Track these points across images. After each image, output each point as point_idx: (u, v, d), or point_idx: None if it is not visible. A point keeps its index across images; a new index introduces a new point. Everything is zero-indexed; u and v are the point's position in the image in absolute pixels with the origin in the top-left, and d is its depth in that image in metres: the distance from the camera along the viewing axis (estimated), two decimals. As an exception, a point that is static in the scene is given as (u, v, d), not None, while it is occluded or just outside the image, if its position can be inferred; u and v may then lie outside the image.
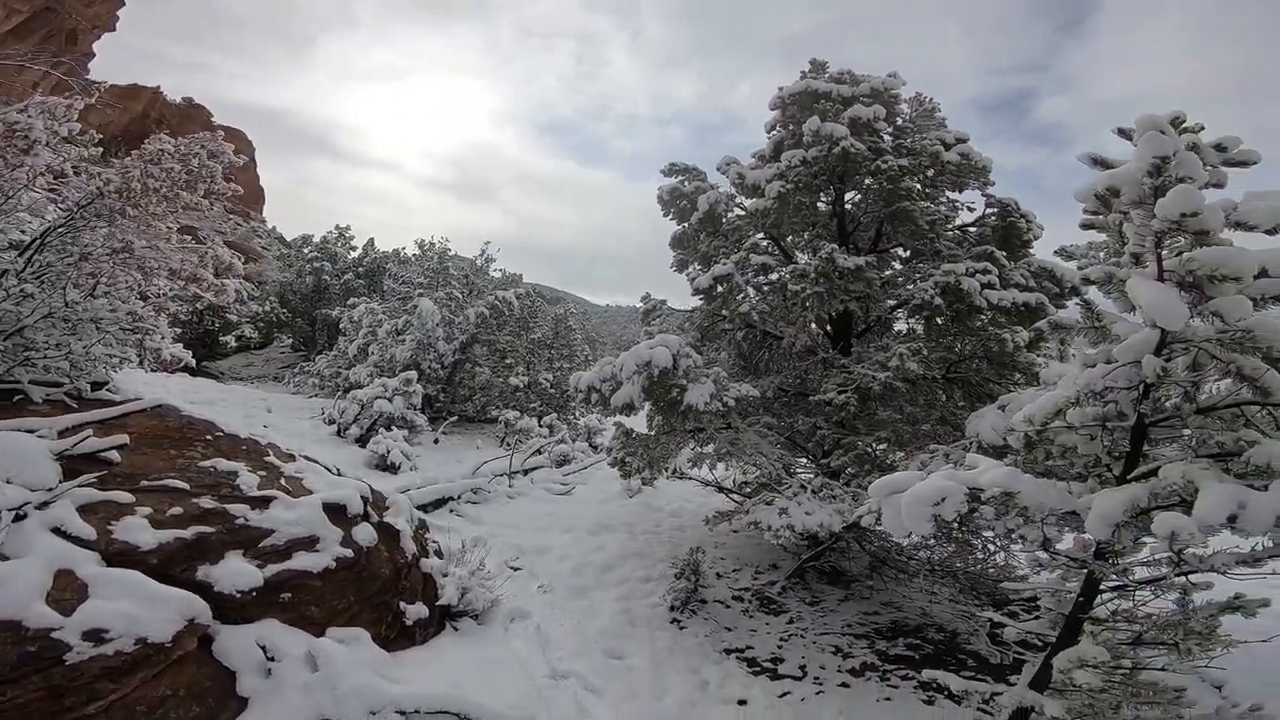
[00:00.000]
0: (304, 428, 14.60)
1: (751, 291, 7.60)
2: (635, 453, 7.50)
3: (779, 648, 7.00)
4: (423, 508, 9.32)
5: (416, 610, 6.17)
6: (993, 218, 9.26)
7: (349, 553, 5.69)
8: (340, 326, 21.60)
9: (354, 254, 28.86)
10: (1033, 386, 7.01)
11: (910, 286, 7.87)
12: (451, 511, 9.55)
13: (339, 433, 13.78)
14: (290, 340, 29.29)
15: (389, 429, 12.70)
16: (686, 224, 10.11)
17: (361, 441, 13.34)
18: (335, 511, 5.93)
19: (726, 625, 7.39)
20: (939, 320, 7.30)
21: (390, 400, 13.55)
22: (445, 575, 6.70)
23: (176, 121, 57.52)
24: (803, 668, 6.66)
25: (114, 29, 55.72)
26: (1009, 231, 9.13)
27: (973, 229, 9.42)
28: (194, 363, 22.60)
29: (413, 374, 13.98)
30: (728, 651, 6.90)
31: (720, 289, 7.74)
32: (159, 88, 58.75)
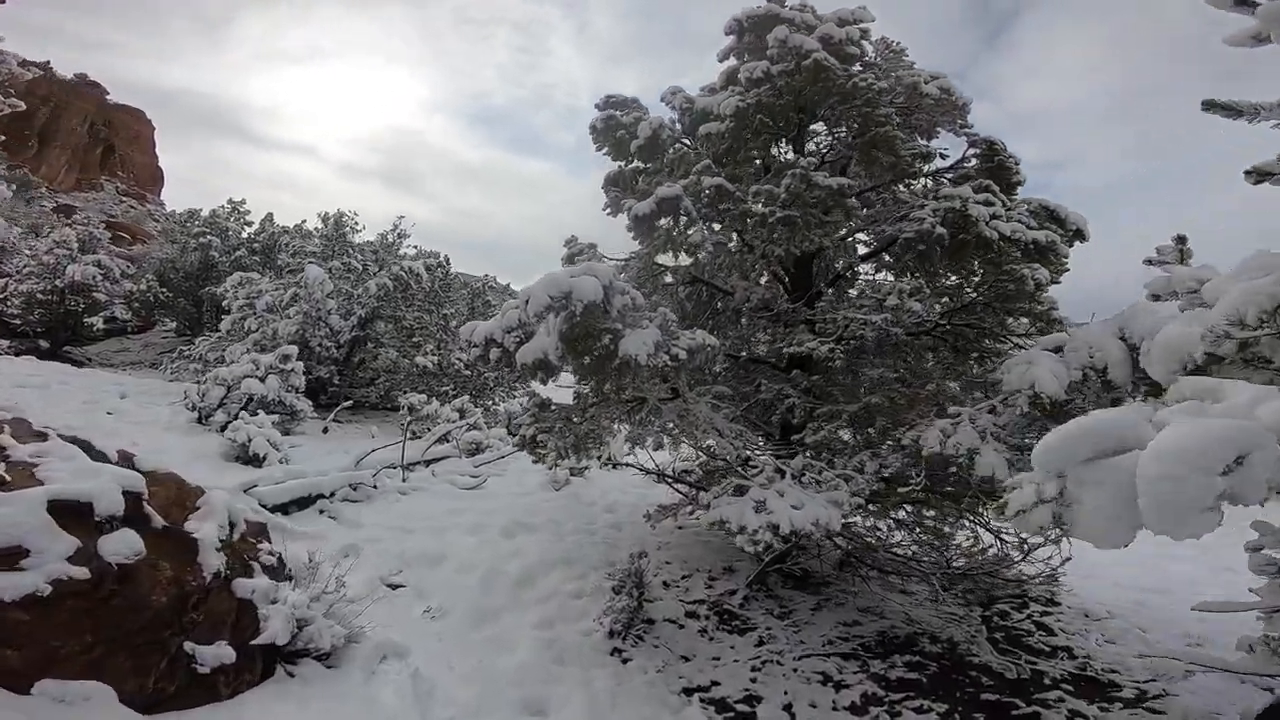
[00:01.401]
0: (160, 415, 11.75)
1: (695, 233, 5.68)
2: (553, 429, 5.47)
3: (753, 681, 5.11)
4: (281, 508, 6.96)
5: (217, 652, 3.97)
6: (974, 160, 7.71)
7: (83, 572, 3.46)
8: (225, 305, 18.51)
9: (249, 230, 25.41)
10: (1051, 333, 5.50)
11: (897, 224, 6.17)
12: (322, 513, 7.21)
13: (201, 420, 11.06)
14: (175, 324, 25.54)
15: (261, 414, 10.13)
16: (623, 162, 8.14)
17: (228, 430, 10.71)
18: (71, 513, 3.65)
19: (682, 653, 5.44)
20: (936, 256, 5.62)
21: (262, 380, 10.94)
22: (273, 601, 4.49)
23: (64, 98, 51.24)
24: (789, 709, 4.79)
25: (3, 1, 48.98)
26: (997, 173, 7.52)
27: (949, 176, 7.88)
28: (42, 344, 18.85)
29: (291, 349, 11.40)
30: (688, 691, 4.94)
31: (664, 221, 5.77)
32: (48, 63, 52.02)
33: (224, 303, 18.45)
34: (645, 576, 5.92)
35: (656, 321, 4.54)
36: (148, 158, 57.29)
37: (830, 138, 7.56)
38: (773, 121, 6.95)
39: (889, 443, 5.03)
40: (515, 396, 15.43)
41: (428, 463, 10.04)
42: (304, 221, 23.38)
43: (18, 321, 20.98)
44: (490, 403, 15.31)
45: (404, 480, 8.90)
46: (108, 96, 54.04)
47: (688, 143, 7.17)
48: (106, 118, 53.23)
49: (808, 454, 5.42)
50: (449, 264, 15.97)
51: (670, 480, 7.62)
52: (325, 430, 12.46)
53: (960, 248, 5.52)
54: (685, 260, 6.48)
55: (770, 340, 6.49)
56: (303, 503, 7.16)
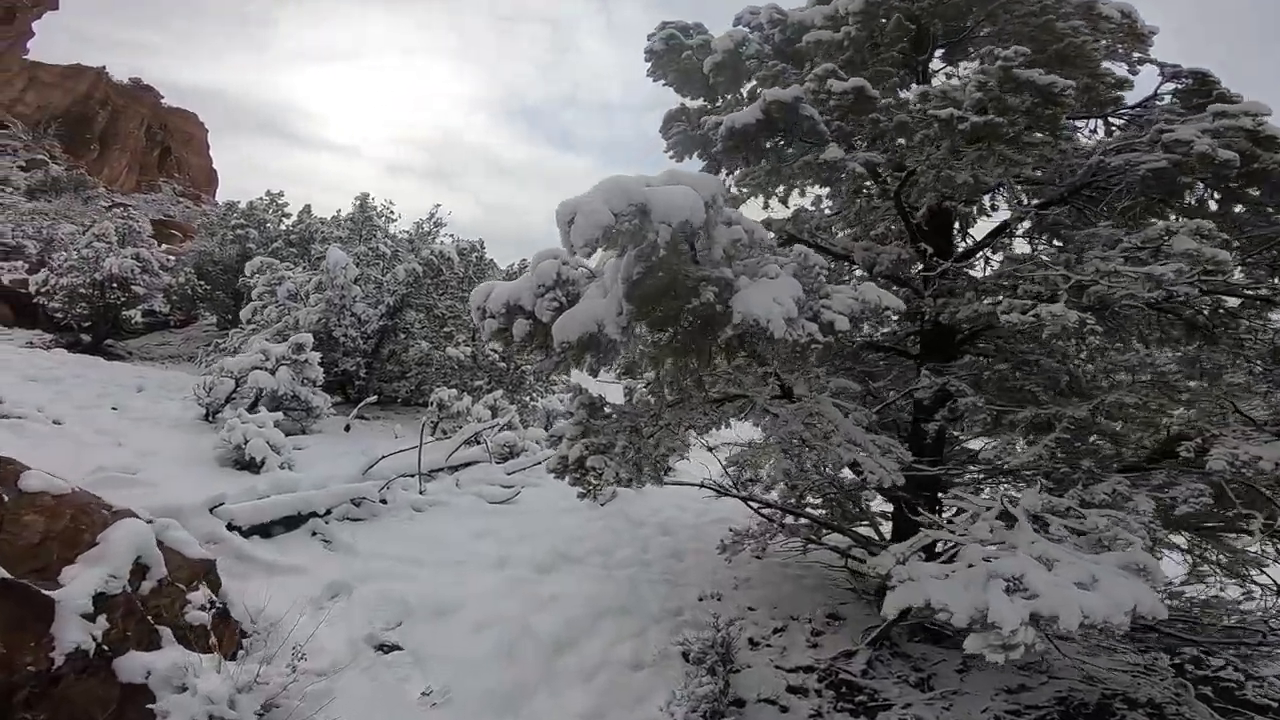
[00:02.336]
0: (169, 410, 10.47)
1: (831, 152, 3.85)
2: (610, 447, 3.76)
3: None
4: (262, 530, 5.43)
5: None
6: (1168, 95, 5.64)
7: None
8: (254, 295, 17.40)
9: (287, 222, 24.43)
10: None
11: (1124, 154, 4.18)
12: (315, 535, 5.65)
13: (208, 416, 9.73)
14: (215, 317, 24.75)
15: (263, 412, 8.70)
16: (688, 97, 6.39)
17: (224, 430, 9.37)
18: None
19: (793, 763, 3.74)
20: (1190, 192, 3.73)
21: (272, 372, 9.53)
22: (181, 689, 2.88)
23: (121, 102, 51.86)
24: None
25: (56, 7, 49.64)
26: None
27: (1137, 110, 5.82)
28: (84, 338, 18.01)
29: (305, 338, 9.97)
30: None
31: (778, 137, 3.91)
32: (104, 68, 52.81)
33: (253, 291, 17.37)
34: (733, 643, 4.18)
35: (789, 267, 2.78)
36: (202, 159, 57.78)
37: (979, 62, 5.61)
38: (902, 35, 5.05)
39: (1168, 462, 3.16)
40: (554, 391, 13.82)
41: (453, 469, 8.46)
42: (339, 211, 22.26)
43: (60, 315, 20.31)
44: (527, 398, 13.73)
45: (421, 492, 7.30)
46: (162, 100, 54.58)
47: (780, 63, 5.36)
48: (162, 121, 53.72)
49: (977, 475, 3.62)
50: (483, 248, 14.45)
51: (757, 503, 5.86)
52: (347, 428, 11.04)
53: (1249, 178, 3.60)
54: (782, 212, 4.72)
55: (912, 314, 4.58)
56: (291, 523, 5.61)
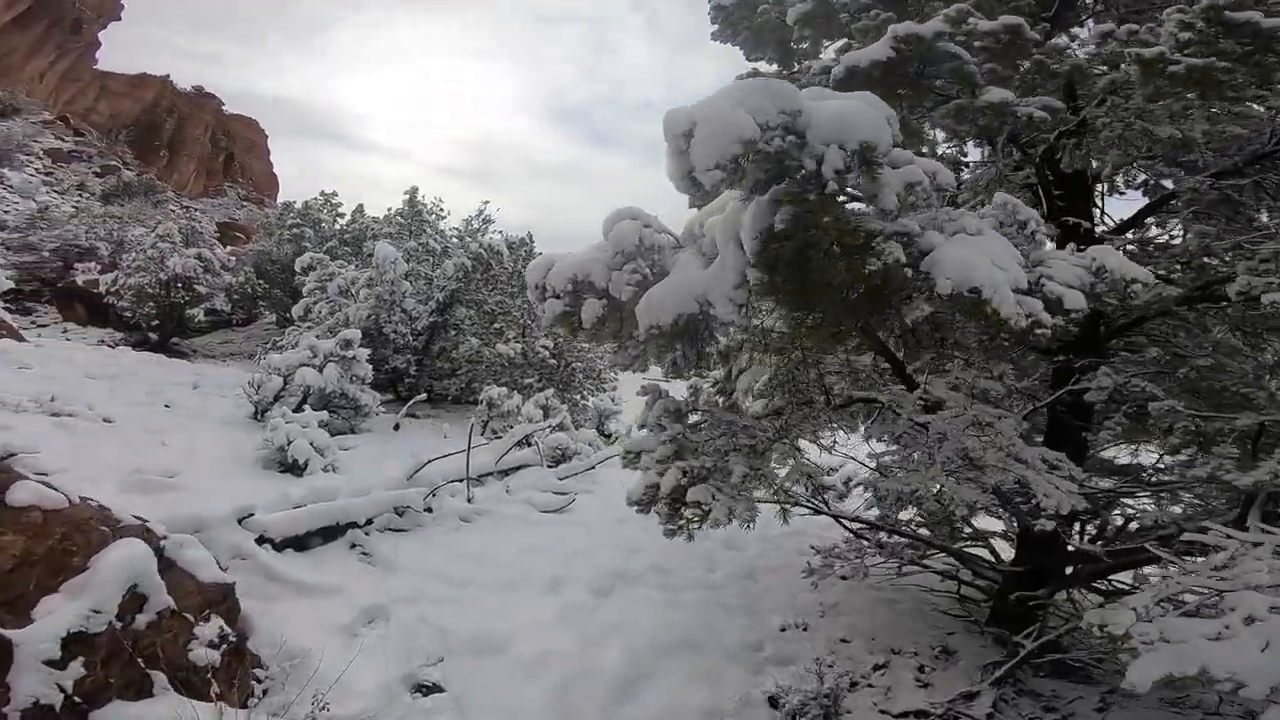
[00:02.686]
0: (220, 408, 10.31)
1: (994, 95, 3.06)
2: (714, 469, 2.99)
3: None
4: (296, 542, 4.97)
5: None
6: None
7: None
8: (305, 293, 17.41)
9: (341, 222, 24.62)
10: None
11: None
12: (354, 548, 5.18)
13: (257, 414, 9.49)
14: (274, 315, 25.15)
15: (307, 411, 8.37)
16: (763, 58, 5.64)
17: (267, 430, 9.11)
18: None
19: None
20: None
21: (320, 369, 9.22)
22: None
23: (187, 110, 53.84)
24: None
25: (119, 18, 51.76)
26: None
27: None
28: (151, 337, 18.35)
29: (353, 334, 9.62)
30: None
31: (910, 80, 3.09)
32: (168, 76, 54.89)
33: (304, 289, 17.38)
34: (833, 684, 3.46)
35: (989, 220, 2.03)
36: (263, 164, 59.54)
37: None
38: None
39: None
40: (605, 389, 13.25)
41: (503, 473, 7.93)
42: (389, 209, 22.25)
43: (129, 314, 20.82)
44: (578, 397, 13.19)
45: (469, 500, 6.78)
46: (224, 107, 56.38)
47: (883, 11, 4.56)
48: (225, 127, 55.53)
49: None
50: (532, 242, 13.98)
51: (850, 521, 5.10)
52: (396, 427, 10.70)
53: None
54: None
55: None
56: (329, 533, 5.14)
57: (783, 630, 4.77)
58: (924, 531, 5.05)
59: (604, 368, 13.07)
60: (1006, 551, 5.17)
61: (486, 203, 15.64)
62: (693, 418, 3.27)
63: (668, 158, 1.91)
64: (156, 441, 7.48)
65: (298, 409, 9.36)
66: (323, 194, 24.97)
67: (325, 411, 9.59)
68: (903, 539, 4.90)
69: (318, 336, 11.73)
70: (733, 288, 1.99)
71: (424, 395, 11.78)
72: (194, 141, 52.39)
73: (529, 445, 8.61)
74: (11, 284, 14.72)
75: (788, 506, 4.19)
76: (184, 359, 19.86)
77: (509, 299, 13.25)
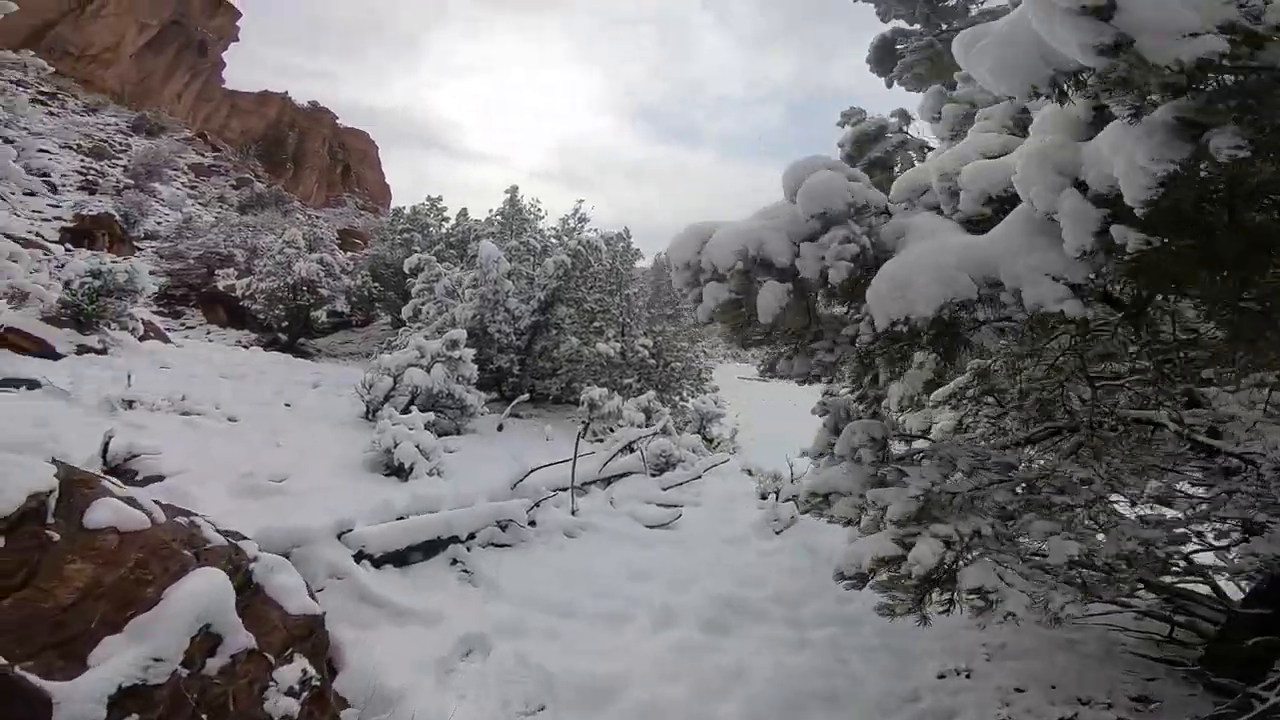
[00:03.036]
0: (336, 407, 10.59)
1: None
2: (982, 531, 2.19)
3: None
4: (397, 557, 4.73)
5: None
6: None
7: None
8: (413, 293, 17.91)
9: (446, 225, 25.43)
10: None
11: None
12: (455, 564, 4.87)
13: (368, 414, 9.64)
14: (389, 317, 26.36)
15: (413, 413, 8.31)
16: (900, 17, 4.85)
17: (374, 432, 9.18)
18: None
19: None
20: None
21: (427, 370, 9.20)
22: None
23: (305, 124, 58.16)
24: None
25: (237, 39, 56.40)
26: None
27: None
28: (281, 338, 19.52)
29: (459, 334, 9.56)
30: None
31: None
32: (286, 93, 59.41)
33: (413, 289, 17.86)
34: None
35: None
36: (376, 174, 63.21)
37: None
38: None
39: None
40: (705, 390, 12.64)
41: (606, 481, 7.53)
42: (491, 210, 22.64)
43: (262, 316, 22.35)
44: (677, 398, 12.67)
45: (573, 512, 6.39)
46: (338, 120, 60.24)
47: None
48: (340, 140, 59.39)
49: None
50: (629, 236, 13.58)
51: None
52: (500, 428, 10.60)
53: None
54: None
55: None
56: (430, 548, 4.87)
57: (940, 678, 4.01)
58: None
59: (703, 368, 12.47)
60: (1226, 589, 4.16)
61: (582, 201, 15.42)
62: (895, 446, 2.53)
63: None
64: (272, 442, 7.63)
65: (405, 409, 9.40)
66: (429, 199, 25.83)
67: (432, 412, 9.60)
68: (1096, 571, 4.00)
69: (426, 337, 11.88)
70: (1072, 258, 1.35)
71: (526, 396, 11.64)
72: (314, 154, 56.35)
73: (632, 451, 8.16)
74: (155, 287, 15.98)
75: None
76: (309, 359, 21.05)
77: (607, 296, 12.91)
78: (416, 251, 23.75)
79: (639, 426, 9.05)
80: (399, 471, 6.99)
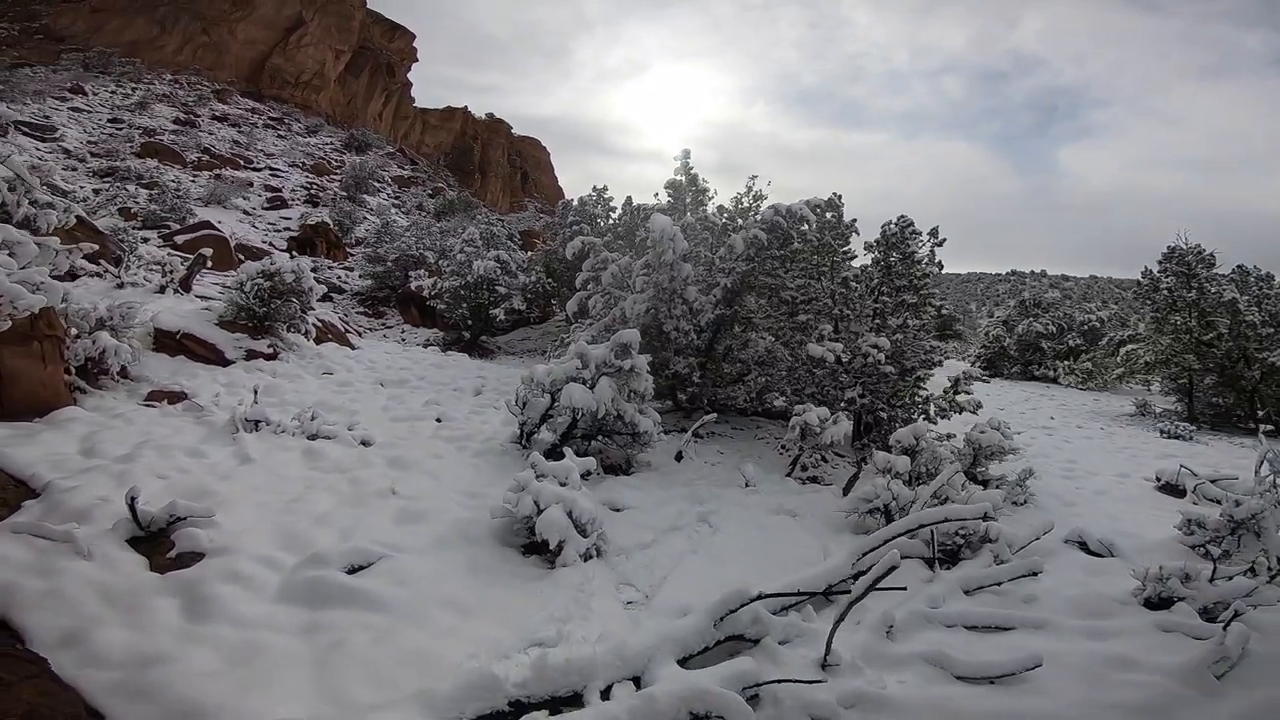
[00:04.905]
0: (487, 424, 8.51)
1: None
2: None
3: None
4: None
5: None
6: None
7: None
8: (579, 284, 15.87)
9: (613, 216, 23.60)
10: None
11: None
12: None
13: (522, 438, 7.40)
14: (563, 312, 25.18)
15: (591, 439, 5.80)
16: None
17: (554, 455, 6.78)
18: None
19: None
20: None
21: (591, 384, 6.70)
22: None
23: (486, 136, 60.41)
24: None
25: (417, 59, 59.29)
26: None
27: None
28: (465, 336, 18.63)
29: (630, 335, 6.92)
30: None
31: None
32: (466, 108, 62.02)
33: (578, 279, 15.85)
34: None
35: None
36: (550, 179, 64.36)
37: None
38: None
39: None
40: (966, 408, 8.86)
41: (877, 582, 4.39)
42: (656, 195, 20.17)
43: (447, 315, 22.01)
44: (921, 418, 9.02)
45: (825, 663, 3.36)
46: (513, 130, 61.86)
47: None
48: (516, 149, 61.01)
49: None
50: (841, 204, 10.11)
51: None
52: (679, 456, 7.88)
53: None
54: None
55: None
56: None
57: None
58: None
59: (963, 375, 8.71)
60: None
61: (755, 178, 12.12)
62: None
63: None
64: (388, 486, 5.52)
65: (565, 434, 6.99)
66: (594, 189, 24.14)
67: (598, 437, 7.09)
68: None
69: (592, 337, 9.48)
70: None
71: (713, 415, 8.78)
72: (496, 163, 58.43)
73: (912, 536, 4.89)
74: (324, 289, 15.46)
75: None
76: (488, 356, 20.21)
77: (812, 281, 9.63)
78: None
79: (891, 474, 5.77)
80: (540, 549, 4.47)
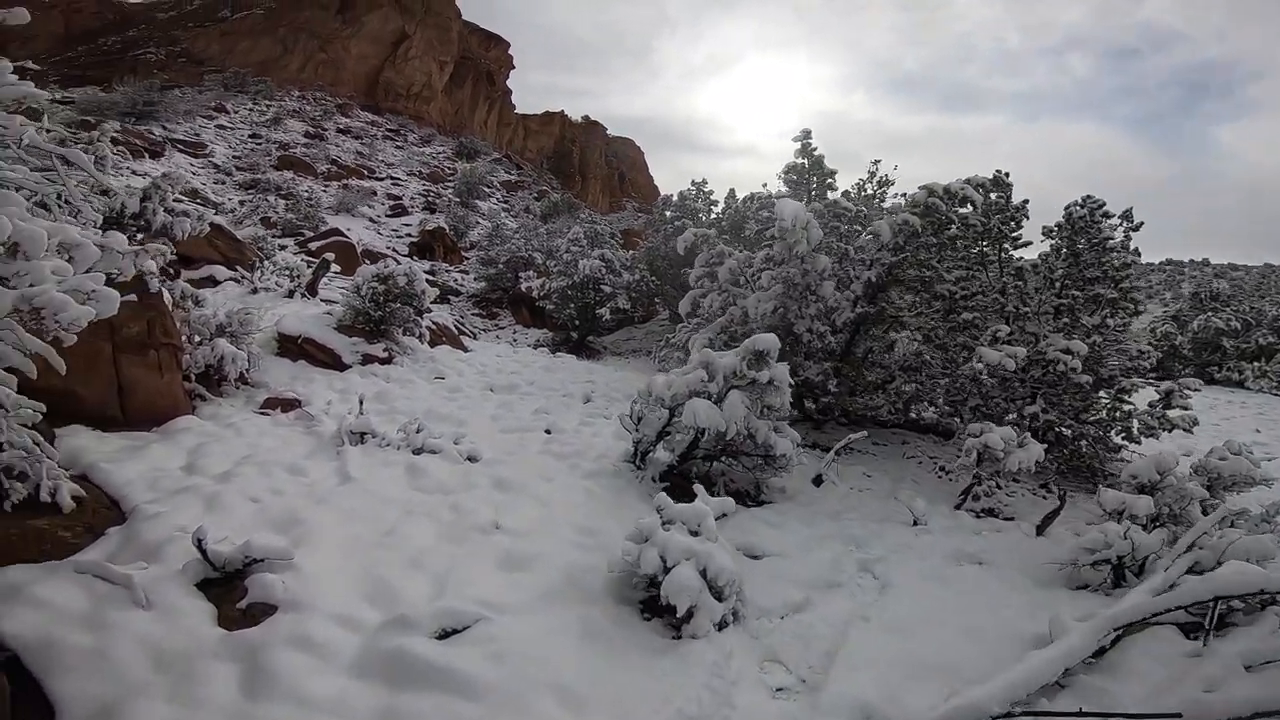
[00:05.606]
0: (599, 438, 7.62)
1: None
2: None
3: None
4: None
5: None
6: None
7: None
8: (692, 284, 14.84)
9: (715, 210, 22.40)
10: None
11: None
12: None
13: (636, 458, 6.49)
14: (667, 311, 24.29)
15: (715, 459, 4.79)
16: None
17: (666, 483, 5.81)
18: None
19: None
20: None
21: (718, 398, 5.66)
22: None
23: (583, 138, 60.51)
24: None
25: (514, 66, 59.87)
26: None
27: None
28: (573, 336, 18.25)
29: (768, 341, 5.76)
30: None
31: None
32: (563, 111, 62.25)
33: (690, 278, 14.86)
34: None
35: None
36: (645, 178, 63.65)
37: None
38: None
39: None
40: (1174, 427, 6.98)
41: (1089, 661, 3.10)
42: (764, 186, 18.71)
43: (555, 315, 21.79)
44: (1119, 437, 7.22)
45: None
46: (607, 131, 61.57)
47: None
48: (612, 149, 60.68)
49: None
50: (1009, 183, 8.40)
51: None
52: (817, 481, 6.68)
53: None
54: None
55: None
56: None
57: None
58: None
59: (1177, 386, 6.86)
60: None
61: (877, 162, 10.43)
62: None
63: None
64: (491, 518, 4.77)
65: (686, 453, 6.01)
66: (693, 183, 23.07)
67: (722, 458, 6.06)
68: None
69: (709, 339, 8.44)
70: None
71: (863, 433, 7.46)
72: (594, 165, 58.50)
73: (1156, 620, 3.46)
74: (439, 291, 15.44)
75: None
76: (594, 357, 19.71)
77: (975, 272, 8.04)
78: (692, 240, 21.16)
79: (1125, 516, 4.31)
80: (665, 612, 3.50)
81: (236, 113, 34.04)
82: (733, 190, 21.51)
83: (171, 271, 12.26)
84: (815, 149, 9.59)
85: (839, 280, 8.52)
